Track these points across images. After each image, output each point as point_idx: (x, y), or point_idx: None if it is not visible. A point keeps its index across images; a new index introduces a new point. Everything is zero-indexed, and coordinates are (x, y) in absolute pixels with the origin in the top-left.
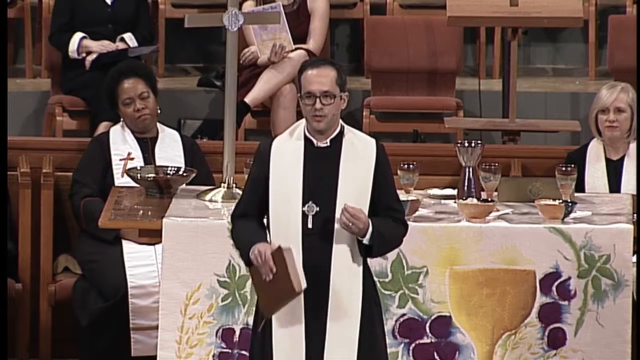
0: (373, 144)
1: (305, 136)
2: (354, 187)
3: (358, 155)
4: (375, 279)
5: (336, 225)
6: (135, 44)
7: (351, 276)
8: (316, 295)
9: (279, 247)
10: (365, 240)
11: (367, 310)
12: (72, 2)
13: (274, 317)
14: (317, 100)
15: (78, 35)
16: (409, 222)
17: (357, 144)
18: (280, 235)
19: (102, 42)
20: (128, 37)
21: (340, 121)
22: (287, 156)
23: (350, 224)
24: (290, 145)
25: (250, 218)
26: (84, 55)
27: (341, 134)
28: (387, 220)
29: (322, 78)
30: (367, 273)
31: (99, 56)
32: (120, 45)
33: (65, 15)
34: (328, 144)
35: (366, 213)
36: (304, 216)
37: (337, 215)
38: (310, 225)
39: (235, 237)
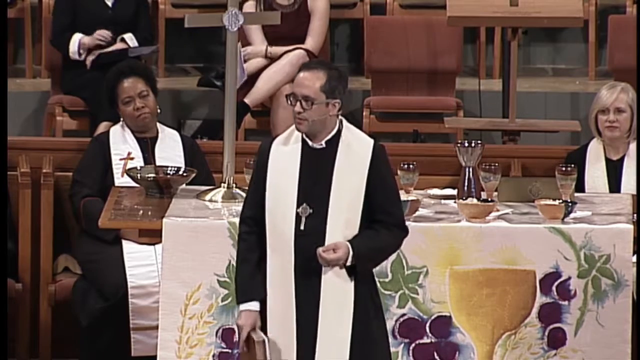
0: (370, 145)
1: (302, 137)
2: (348, 190)
3: (353, 157)
4: (375, 279)
5: (328, 228)
6: (136, 44)
7: (342, 278)
8: (307, 297)
9: (253, 338)
10: (348, 263)
11: (361, 311)
12: (72, 5)
13: (268, 317)
14: (298, 103)
15: (77, 35)
16: (409, 223)
17: (353, 145)
18: (274, 238)
19: (97, 33)
20: (128, 37)
21: (342, 121)
22: (284, 157)
23: (330, 265)
24: (288, 146)
25: (253, 244)
26: (84, 55)
27: (338, 135)
28: (374, 233)
29: (306, 81)
30: (362, 275)
31: (99, 56)
32: (120, 46)
33: (66, 17)
34: (324, 145)
35: (359, 215)
36: (297, 218)
37: (330, 217)
38: (302, 227)
39: (236, 269)
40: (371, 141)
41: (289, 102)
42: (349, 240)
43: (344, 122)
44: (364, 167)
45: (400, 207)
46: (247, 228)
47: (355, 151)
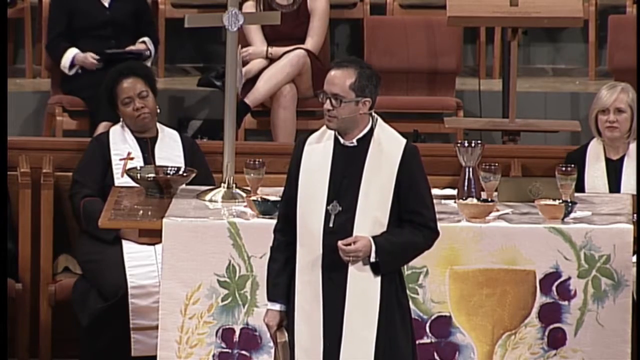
0: (402, 144)
1: (335, 135)
2: (376, 188)
3: (383, 156)
4: (404, 278)
5: (355, 226)
6: (152, 48)
7: (369, 277)
8: (334, 295)
9: (279, 335)
10: (372, 259)
11: (387, 310)
12: (69, 9)
13: (295, 313)
14: (328, 100)
15: (72, 51)
16: None
17: (384, 144)
18: (304, 234)
19: (90, 56)
20: (148, 40)
21: (377, 119)
22: (316, 154)
23: (350, 258)
24: (321, 143)
25: (282, 243)
26: (73, 71)
27: (371, 133)
28: (399, 231)
29: (336, 79)
30: (390, 276)
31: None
32: (141, 47)
33: (61, 22)
34: (355, 143)
35: (387, 214)
36: (327, 215)
37: (358, 215)
38: (331, 224)
39: (267, 270)
40: (403, 141)
41: (320, 99)
42: (372, 236)
43: (379, 120)
44: (394, 167)
45: (430, 208)
46: (280, 226)
47: (386, 150)
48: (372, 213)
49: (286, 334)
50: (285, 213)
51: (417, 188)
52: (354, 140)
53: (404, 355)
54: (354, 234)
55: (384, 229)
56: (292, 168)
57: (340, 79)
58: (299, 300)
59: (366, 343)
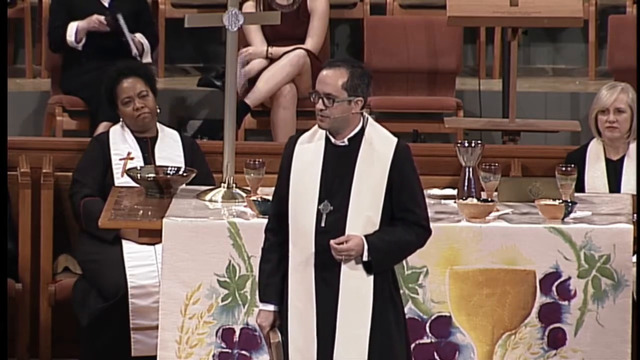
0: (393, 143)
1: (326, 134)
2: (368, 188)
3: (375, 155)
4: (397, 277)
5: (347, 225)
6: (146, 42)
7: (362, 276)
8: (327, 294)
9: (272, 335)
10: (364, 257)
11: (380, 309)
12: (69, 8)
13: (289, 312)
14: (320, 100)
15: (72, 25)
16: None
17: (375, 143)
18: (296, 233)
19: (95, 16)
20: (140, 36)
21: (367, 119)
22: (308, 154)
23: (343, 257)
24: (312, 143)
25: (275, 243)
26: (82, 41)
27: (362, 132)
28: (391, 229)
29: (328, 79)
30: (383, 275)
31: (91, 38)
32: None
33: (61, 24)
34: (346, 143)
35: (379, 213)
36: (319, 214)
37: (350, 215)
38: (323, 224)
39: (258, 267)
40: (395, 140)
41: (312, 99)
42: (365, 235)
43: (370, 119)
44: (386, 166)
45: (423, 206)
46: (271, 226)
47: (377, 149)
48: (364, 212)
49: (279, 335)
50: (276, 213)
51: (409, 186)
52: (345, 140)
53: (398, 354)
54: (346, 233)
55: (376, 227)
56: (283, 168)
57: (332, 78)
58: (292, 299)
59: (360, 342)
